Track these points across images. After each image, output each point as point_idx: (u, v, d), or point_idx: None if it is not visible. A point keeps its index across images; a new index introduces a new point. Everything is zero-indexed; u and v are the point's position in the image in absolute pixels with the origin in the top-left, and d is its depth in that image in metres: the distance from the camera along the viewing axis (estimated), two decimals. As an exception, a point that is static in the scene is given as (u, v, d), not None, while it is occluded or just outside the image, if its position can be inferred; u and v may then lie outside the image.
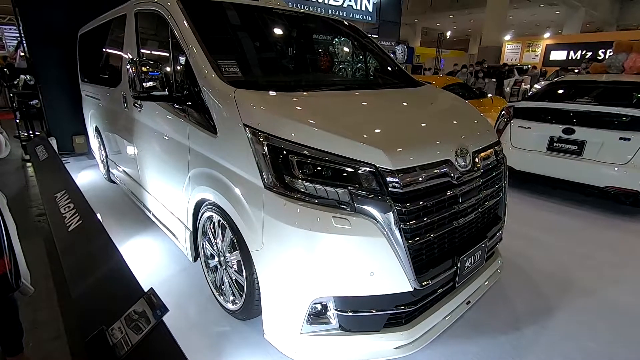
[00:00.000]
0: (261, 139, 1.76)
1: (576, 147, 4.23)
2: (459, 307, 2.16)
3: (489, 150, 2.28)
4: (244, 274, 2.02)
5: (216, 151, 2.05)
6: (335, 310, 1.77)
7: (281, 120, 1.79)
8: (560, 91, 4.88)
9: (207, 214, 2.29)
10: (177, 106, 2.37)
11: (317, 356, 1.80)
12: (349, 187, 1.66)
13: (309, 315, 1.77)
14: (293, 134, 1.72)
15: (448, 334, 2.17)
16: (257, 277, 1.94)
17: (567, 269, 2.91)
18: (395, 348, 1.84)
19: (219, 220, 2.19)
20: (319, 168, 1.68)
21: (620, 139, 3.93)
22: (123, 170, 3.87)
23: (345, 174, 1.68)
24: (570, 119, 4.30)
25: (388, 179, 1.68)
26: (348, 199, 1.66)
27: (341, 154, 1.67)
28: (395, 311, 1.80)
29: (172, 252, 3.08)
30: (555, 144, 4.39)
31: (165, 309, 1.60)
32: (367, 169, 1.67)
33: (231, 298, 2.26)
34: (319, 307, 1.80)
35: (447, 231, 1.94)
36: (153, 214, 3.22)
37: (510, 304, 2.49)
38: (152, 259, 2.98)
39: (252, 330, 2.19)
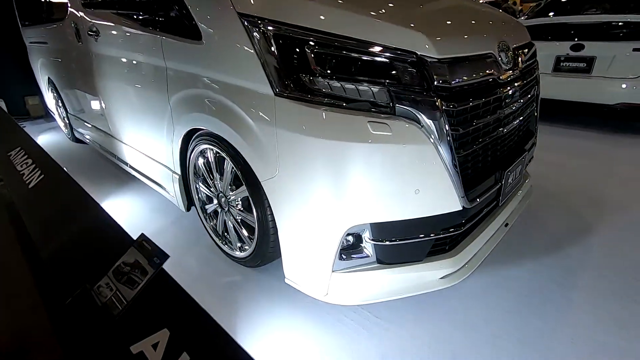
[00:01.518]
0: (266, 30, 1.34)
1: (584, 65, 3.95)
2: (499, 230, 1.92)
3: (526, 49, 1.95)
4: (254, 212, 1.68)
5: (203, 62, 1.62)
6: (372, 240, 1.48)
7: (292, 0, 1.37)
8: (565, 2, 4.51)
9: (199, 149, 1.89)
10: (143, 15, 1.87)
11: (352, 295, 1.53)
12: (387, 83, 1.29)
13: (340, 249, 1.47)
14: (309, 19, 1.31)
15: (489, 262, 1.95)
16: (271, 213, 1.60)
17: (592, 188, 2.73)
18: (440, 278, 1.59)
19: (216, 154, 1.80)
20: (346, 61, 1.30)
21: (634, 50, 3.66)
22: (89, 123, 3.34)
23: (380, 67, 1.30)
24: (579, 33, 3.98)
25: (433, 70, 1.32)
26: (386, 99, 1.30)
27: (374, 40, 1.28)
28: (441, 235, 1.53)
29: (160, 205, 2.70)
30: (562, 64, 4.10)
31: (164, 255, 1.25)
32: (408, 58, 1.30)
33: (238, 244, 1.93)
34: (351, 238, 1.50)
35: (493, 140, 1.63)
36: (132, 167, 2.78)
37: (547, 225, 2.29)
38: (135, 217, 2.60)
39: (268, 276, 1.89)
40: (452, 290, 1.74)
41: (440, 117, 1.32)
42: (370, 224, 1.44)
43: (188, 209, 2.26)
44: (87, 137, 3.58)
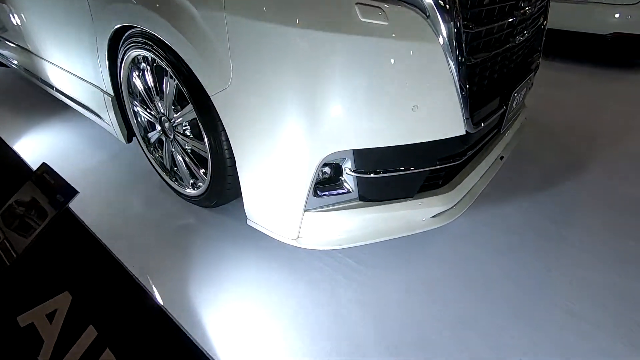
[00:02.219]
0: None
1: (582, -12, 3.59)
2: (494, 164, 1.69)
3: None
4: (205, 138, 1.32)
5: None
6: (355, 172, 1.18)
7: None
8: None
9: (130, 57, 1.45)
10: None
11: (328, 239, 1.27)
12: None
13: (315, 183, 1.18)
14: None
15: (481, 199, 1.74)
16: (226, 139, 1.26)
17: (584, 121, 2.55)
18: (432, 217, 1.36)
19: (153, 61, 1.38)
20: None
21: (636, -29, 3.32)
22: (6, 41, 2.67)
23: None
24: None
25: None
26: (382, -29, 0.92)
27: None
28: (438, 167, 1.26)
29: (97, 138, 2.26)
30: (558, -13, 3.71)
31: (71, 192, 0.91)
32: None
33: (190, 180, 1.59)
34: (328, 170, 1.20)
35: (504, 51, 1.32)
36: (58, 90, 2.26)
37: (540, 160, 2.09)
38: (67, 153, 2.15)
39: (228, 218, 1.60)
40: (439, 231, 1.53)
41: (454, 6, 0.97)
42: (354, 151, 1.13)
43: (129, 140, 1.86)
44: (8, 58, 2.91)
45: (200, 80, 1.18)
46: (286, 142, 1.10)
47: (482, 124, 1.29)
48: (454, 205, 1.40)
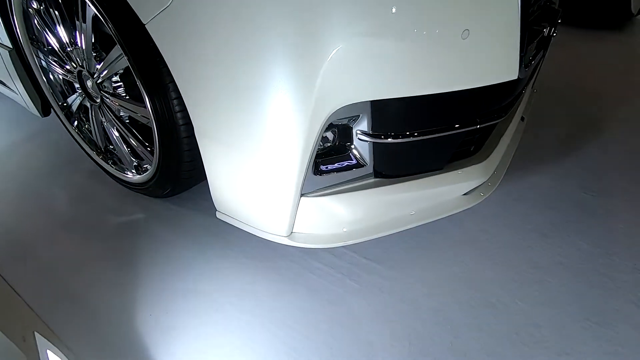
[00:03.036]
0: None
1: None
2: (519, 126, 1.40)
3: None
4: (146, 97, 0.90)
5: None
6: (371, 135, 0.82)
7: None
8: None
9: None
10: None
11: (334, 233, 0.91)
12: None
13: (316, 154, 0.80)
14: None
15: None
16: (177, 96, 0.84)
17: (585, 81, 2.34)
18: (464, 194, 1.04)
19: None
20: None
21: None
22: None
23: None
24: None
25: None
26: None
27: None
28: (479, 127, 0.92)
29: (9, 112, 1.73)
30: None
31: None
32: None
33: (133, 162, 1.16)
34: (330, 135, 0.83)
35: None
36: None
37: (552, 122, 1.84)
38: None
39: (189, 210, 1.20)
40: (464, 213, 1.22)
41: None
42: (372, 103, 0.77)
43: (45, 113, 1.37)
44: None
45: (130, 5, 0.75)
46: (268, 93, 0.71)
47: (527, 68, 0.97)
48: (491, 176, 1.09)
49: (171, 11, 0.69)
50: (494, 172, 1.10)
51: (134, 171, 1.16)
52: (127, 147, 1.13)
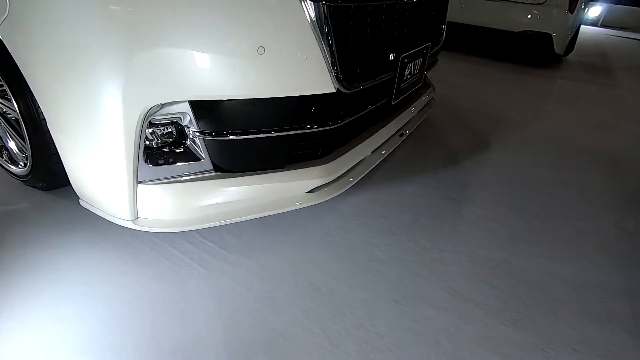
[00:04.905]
0: None
1: (497, -14, 3.74)
2: (392, 140, 1.57)
3: None
4: (11, 97, 1.02)
5: None
6: (200, 133, 0.96)
7: None
8: None
9: None
10: None
11: (176, 219, 1.02)
12: None
13: (145, 146, 0.93)
14: None
15: (377, 176, 1.61)
16: (32, 92, 0.97)
17: (491, 107, 2.58)
18: (308, 192, 1.17)
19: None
20: None
21: (543, -29, 3.52)
22: None
23: None
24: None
25: None
26: None
27: None
28: (308, 131, 1.07)
29: None
30: (476, -16, 3.83)
31: None
32: None
33: (21, 155, 1.26)
34: (165, 129, 0.97)
35: (385, 7, 1.17)
36: None
37: (444, 141, 2.03)
38: None
39: (68, 201, 1.29)
40: (328, 210, 1.36)
41: None
42: (192, 104, 0.91)
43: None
44: None
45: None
46: (97, 91, 0.84)
47: (361, 85, 1.13)
48: (335, 180, 1.23)
49: (11, 18, 0.84)
50: (343, 176, 1.25)
51: (21, 164, 1.27)
52: (12, 141, 1.24)
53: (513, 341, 0.95)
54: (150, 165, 0.96)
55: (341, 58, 1.01)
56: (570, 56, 4.54)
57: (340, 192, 1.24)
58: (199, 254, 1.13)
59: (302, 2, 0.87)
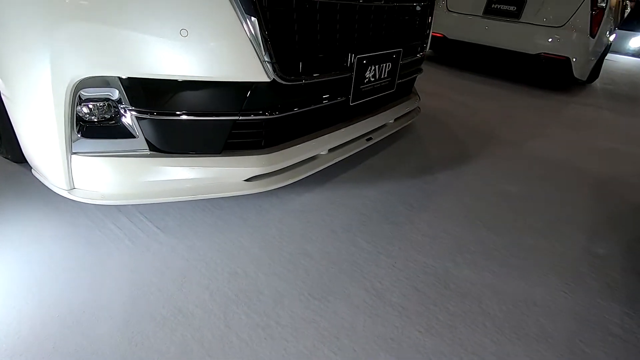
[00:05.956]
0: None
1: (514, 8, 3.67)
2: (355, 142, 1.56)
3: None
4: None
5: None
6: (131, 110, 1.01)
7: None
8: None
9: None
10: None
11: (110, 192, 1.07)
12: None
13: (79, 118, 0.99)
14: None
15: (340, 177, 1.60)
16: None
17: (490, 125, 2.49)
18: (246, 181, 1.19)
19: None
20: None
21: (563, -6, 3.43)
22: None
23: None
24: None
25: None
26: None
27: None
28: (242, 118, 1.10)
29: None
30: (493, 5, 3.78)
31: None
32: None
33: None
34: (101, 104, 1.02)
35: (337, 4, 1.20)
36: None
37: (427, 152, 1.99)
38: None
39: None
40: (273, 203, 1.36)
41: None
42: (121, 80, 0.96)
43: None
44: None
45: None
46: (30, 64, 0.92)
47: (303, 79, 1.15)
48: (276, 172, 1.24)
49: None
50: (286, 168, 1.26)
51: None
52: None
53: (419, 347, 0.90)
54: (85, 138, 1.02)
55: (276, 49, 1.04)
56: (595, 83, 4.33)
57: (281, 184, 1.25)
58: (133, 231, 1.16)
59: (228, -9, 0.91)
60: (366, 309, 0.99)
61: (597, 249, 1.34)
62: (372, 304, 1.00)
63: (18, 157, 1.34)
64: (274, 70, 1.05)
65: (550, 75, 3.84)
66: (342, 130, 1.47)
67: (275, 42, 1.03)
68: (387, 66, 1.52)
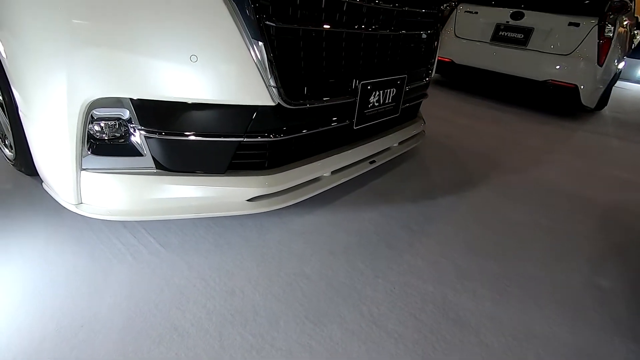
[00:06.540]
0: None
1: (522, 36, 3.72)
2: (359, 165, 1.58)
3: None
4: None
5: None
6: (141, 129, 1.05)
7: None
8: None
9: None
10: None
11: (115, 208, 1.10)
12: None
13: (90, 135, 1.03)
14: None
15: (342, 200, 1.61)
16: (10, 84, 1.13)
17: (495, 151, 2.50)
18: (249, 201, 1.21)
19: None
20: None
21: (570, 24, 3.47)
22: None
23: None
24: (521, 1, 3.74)
25: None
26: None
27: None
28: (247, 140, 1.13)
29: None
30: (501, 32, 3.85)
31: None
32: None
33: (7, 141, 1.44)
34: (113, 123, 1.07)
35: (343, 32, 1.25)
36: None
37: (431, 176, 2.00)
38: None
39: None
40: (275, 223, 1.38)
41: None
42: (132, 101, 1.01)
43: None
44: None
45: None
46: (46, 84, 0.97)
47: (307, 104, 1.19)
48: (281, 194, 1.26)
49: (-3, 20, 1.00)
50: (289, 189, 1.28)
51: (8, 148, 1.44)
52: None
53: (413, 376, 0.89)
54: (95, 155, 1.06)
55: (281, 74, 1.08)
56: (604, 110, 4.32)
57: (283, 205, 1.26)
58: (135, 247, 1.19)
59: (236, 21, 0.96)
60: (362, 334, 0.98)
61: (600, 281, 1.32)
62: (367, 330, 1.00)
63: (31, 170, 1.39)
64: (279, 95, 1.08)
65: (558, 102, 3.86)
66: (346, 152, 1.49)
67: (280, 67, 1.07)
68: (391, 91, 1.55)
